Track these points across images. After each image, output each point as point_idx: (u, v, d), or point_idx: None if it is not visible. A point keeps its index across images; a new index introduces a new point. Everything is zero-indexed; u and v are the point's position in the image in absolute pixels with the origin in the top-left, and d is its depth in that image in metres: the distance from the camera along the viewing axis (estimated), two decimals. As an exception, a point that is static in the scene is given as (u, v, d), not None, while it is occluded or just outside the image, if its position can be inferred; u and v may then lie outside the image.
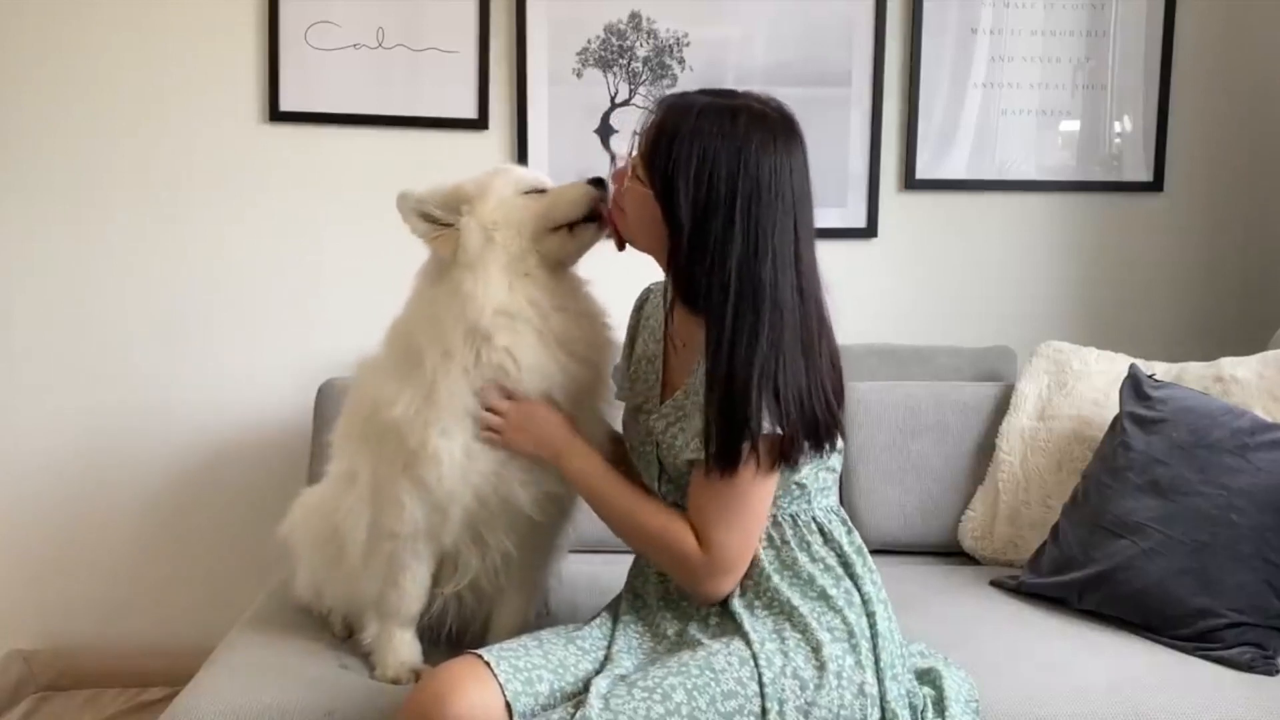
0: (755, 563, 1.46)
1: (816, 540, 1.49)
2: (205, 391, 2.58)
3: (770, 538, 1.48)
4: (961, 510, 2.28)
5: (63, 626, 2.62)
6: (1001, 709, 1.58)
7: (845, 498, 2.32)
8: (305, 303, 2.56)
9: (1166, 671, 1.69)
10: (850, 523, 1.55)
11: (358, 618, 1.72)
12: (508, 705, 1.32)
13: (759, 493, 1.42)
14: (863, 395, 2.36)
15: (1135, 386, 2.05)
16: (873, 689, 1.41)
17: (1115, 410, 2.07)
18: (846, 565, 1.49)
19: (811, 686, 1.38)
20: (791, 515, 1.48)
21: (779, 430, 1.37)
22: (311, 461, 2.22)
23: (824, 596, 1.45)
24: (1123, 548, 1.87)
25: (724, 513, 1.42)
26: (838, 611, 1.44)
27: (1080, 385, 2.23)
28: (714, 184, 1.38)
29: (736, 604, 1.45)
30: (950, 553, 2.28)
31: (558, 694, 1.37)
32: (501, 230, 1.58)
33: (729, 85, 2.51)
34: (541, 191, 1.63)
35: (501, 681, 1.34)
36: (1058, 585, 1.94)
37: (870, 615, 1.46)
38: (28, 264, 2.54)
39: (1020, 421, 2.25)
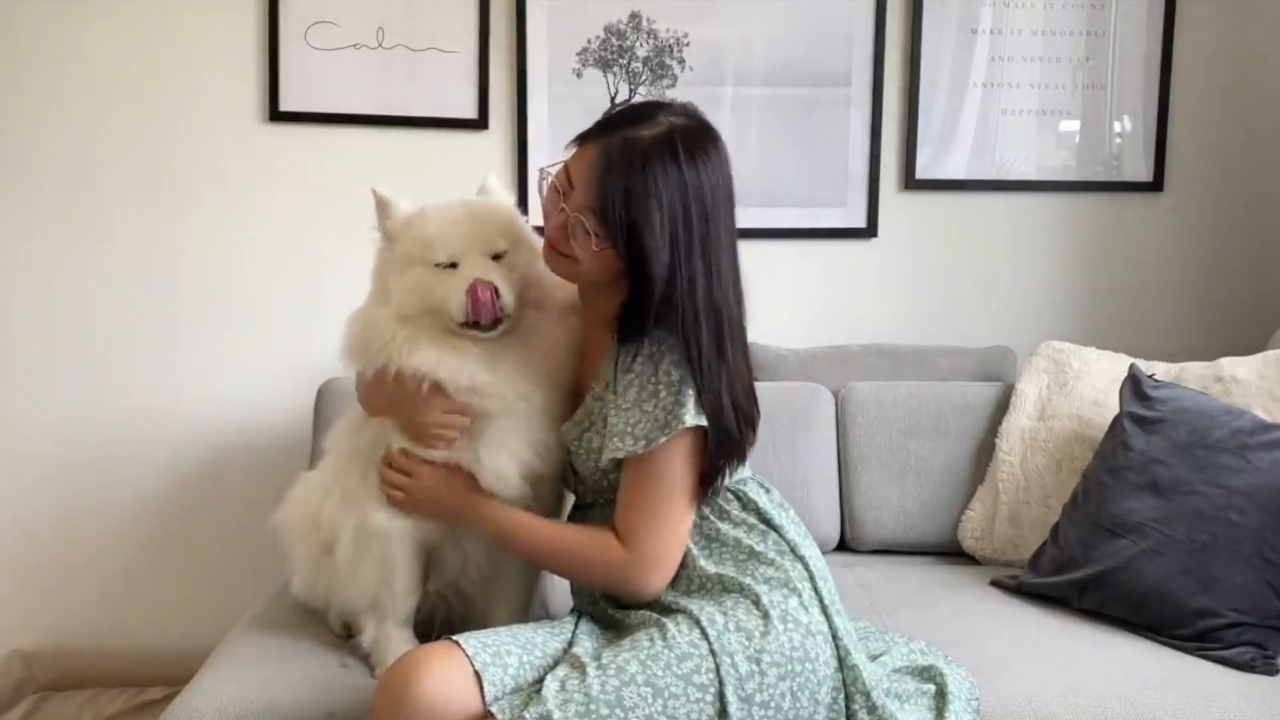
0: (686, 550, 1.50)
1: (734, 507, 1.53)
2: (205, 391, 2.58)
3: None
4: (961, 510, 2.28)
5: (63, 626, 2.62)
6: (1001, 708, 1.59)
7: (845, 498, 2.33)
8: (305, 302, 2.56)
9: (1166, 671, 1.69)
10: (768, 484, 1.60)
11: (351, 614, 1.73)
12: (477, 676, 1.34)
13: (682, 486, 1.46)
14: (863, 395, 2.36)
15: (1135, 386, 2.05)
16: (821, 625, 1.45)
17: (1115, 410, 2.07)
18: (767, 520, 1.53)
19: (758, 634, 1.40)
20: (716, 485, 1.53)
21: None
22: (311, 462, 2.22)
23: (753, 554, 1.49)
24: (1123, 548, 1.87)
25: (649, 510, 1.46)
26: (769, 563, 1.48)
27: (1080, 385, 2.23)
28: (675, 227, 1.41)
29: (673, 593, 1.48)
30: (950, 553, 2.28)
31: (526, 667, 1.40)
32: (395, 293, 1.55)
33: (729, 85, 2.59)
34: (452, 266, 1.51)
35: (470, 654, 1.36)
36: (1058, 585, 1.94)
37: (802, 559, 1.50)
38: (27, 264, 2.54)
39: (1020, 421, 2.25)
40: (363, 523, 1.62)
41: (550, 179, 1.50)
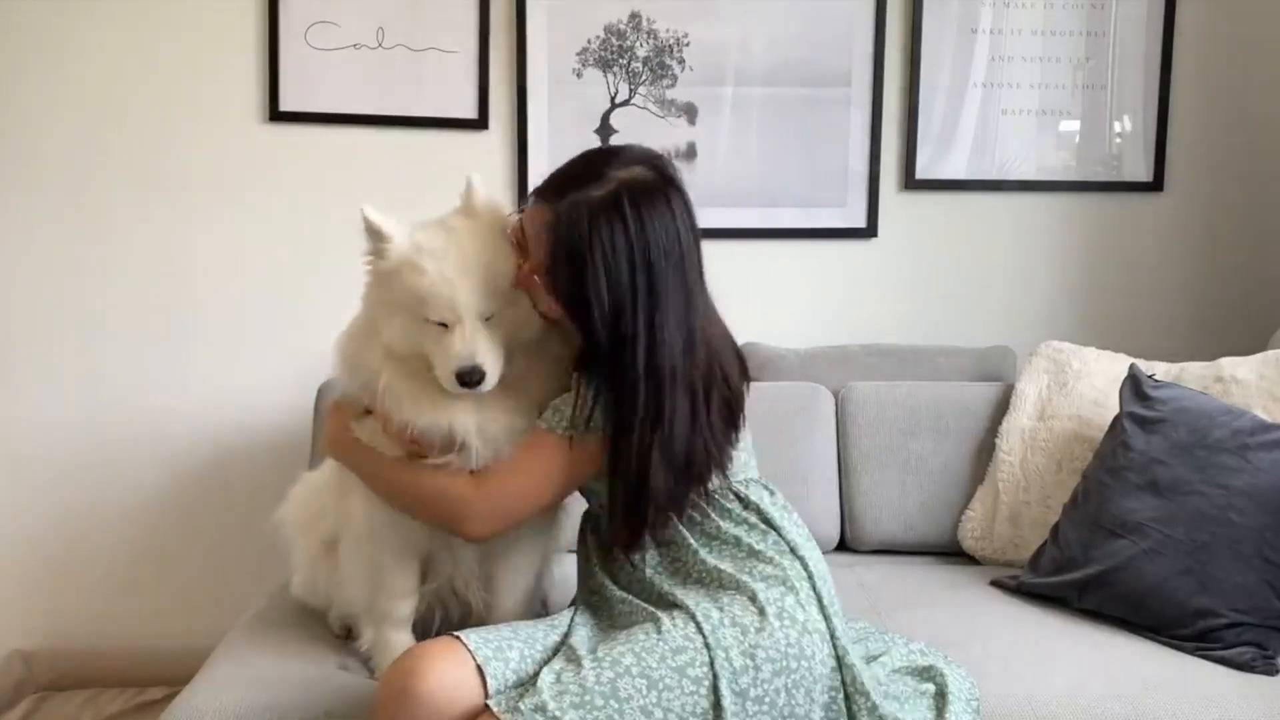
0: (683, 543, 1.52)
1: (736, 506, 1.55)
2: (204, 391, 2.58)
3: (691, 517, 1.53)
4: (961, 510, 2.28)
5: (63, 626, 2.62)
6: (1001, 708, 1.59)
7: (845, 498, 2.33)
8: (305, 302, 2.56)
9: (1166, 671, 1.69)
10: (773, 487, 1.61)
11: (351, 616, 1.73)
12: (479, 669, 1.36)
13: (555, 479, 1.51)
14: (863, 395, 2.36)
15: (1135, 386, 2.05)
16: (818, 624, 1.45)
17: (1115, 410, 2.07)
18: (768, 521, 1.54)
19: (753, 630, 1.41)
20: (709, 492, 1.53)
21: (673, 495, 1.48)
22: (311, 461, 2.22)
23: (753, 553, 1.50)
24: (1123, 548, 1.87)
25: (517, 471, 1.50)
26: (768, 561, 1.49)
27: (1080, 385, 2.23)
28: (617, 293, 1.41)
29: (671, 585, 1.50)
30: (950, 553, 2.28)
31: (527, 660, 1.41)
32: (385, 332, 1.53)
33: (729, 85, 2.59)
34: (443, 325, 1.48)
35: (472, 649, 1.37)
36: (1058, 585, 1.94)
37: (801, 559, 1.51)
38: (27, 264, 2.54)
39: (1020, 421, 2.25)
40: (352, 524, 1.63)
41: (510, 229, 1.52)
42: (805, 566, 1.50)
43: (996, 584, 2.07)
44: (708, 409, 1.48)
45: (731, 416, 1.52)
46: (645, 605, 1.49)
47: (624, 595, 1.53)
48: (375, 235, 1.52)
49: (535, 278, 1.48)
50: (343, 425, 1.61)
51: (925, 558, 2.28)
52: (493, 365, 1.48)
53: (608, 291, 1.41)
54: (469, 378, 1.46)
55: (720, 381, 1.50)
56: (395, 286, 1.50)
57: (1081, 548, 1.94)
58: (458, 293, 1.47)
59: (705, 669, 1.37)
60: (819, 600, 1.48)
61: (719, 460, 1.51)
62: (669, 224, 1.43)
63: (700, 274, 1.49)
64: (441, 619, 1.73)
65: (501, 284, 1.50)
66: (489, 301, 1.48)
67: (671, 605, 1.46)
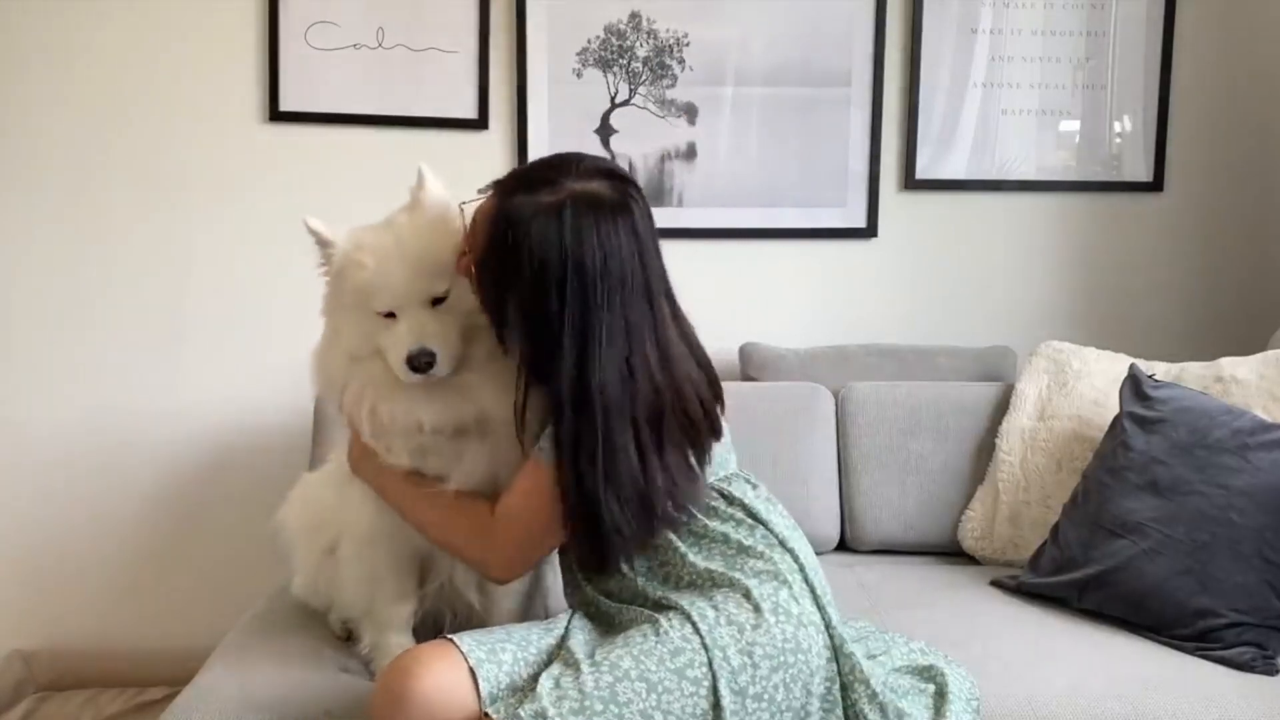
0: (671, 547, 1.50)
1: (720, 503, 1.53)
2: (205, 391, 2.58)
3: None
4: (961, 510, 2.28)
5: (63, 626, 2.62)
6: (1001, 709, 1.59)
7: (845, 498, 2.33)
8: (305, 302, 2.54)
9: (1166, 671, 1.69)
10: (754, 479, 1.59)
11: (351, 619, 1.73)
12: (472, 672, 1.35)
13: (549, 510, 1.45)
14: (863, 395, 2.36)
15: (1135, 386, 2.05)
16: (813, 616, 1.45)
17: (1115, 410, 2.07)
18: (754, 515, 1.53)
19: (749, 627, 1.40)
20: (684, 526, 1.51)
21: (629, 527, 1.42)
22: (311, 462, 2.22)
23: (742, 549, 1.49)
24: (1123, 548, 1.87)
25: (516, 503, 1.47)
26: (759, 556, 1.48)
27: (1080, 385, 2.23)
28: (543, 303, 1.37)
29: (664, 590, 1.49)
30: (950, 553, 2.28)
31: (521, 664, 1.40)
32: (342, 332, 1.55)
33: (729, 85, 2.60)
34: (391, 316, 1.50)
35: (465, 651, 1.36)
36: (1058, 585, 1.94)
37: (791, 551, 1.50)
38: (28, 264, 2.54)
39: (1020, 421, 2.25)
40: (350, 530, 1.63)
41: (463, 216, 1.50)
42: (796, 559, 1.50)
43: (996, 584, 2.07)
44: (658, 445, 1.41)
45: (696, 450, 1.47)
46: (641, 609, 1.48)
47: (619, 606, 1.52)
48: (320, 242, 1.54)
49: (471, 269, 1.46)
50: (361, 447, 1.60)
51: (925, 558, 2.28)
52: (442, 349, 1.48)
53: (530, 301, 1.37)
54: (417, 361, 1.46)
55: (677, 412, 1.43)
56: (344, 286, 1.52)
57: (1081, 548, 1.94)
58: (397, 280, 1.48)
59: (704, 669, 1.37)
60: (812, 592, 1.47)
61: (681, 499, 1.46)
62: (613, 244, 1.37)
63: (654, 298, 1.43)
64: (442, 620, 1.72)
65: (444, 268, 1.50)
66: (430, 284, 1.49)
67: (667, 607, 1.46)
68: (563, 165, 1.44)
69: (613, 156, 2.54)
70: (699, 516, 1.52)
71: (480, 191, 1.47)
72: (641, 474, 1.41)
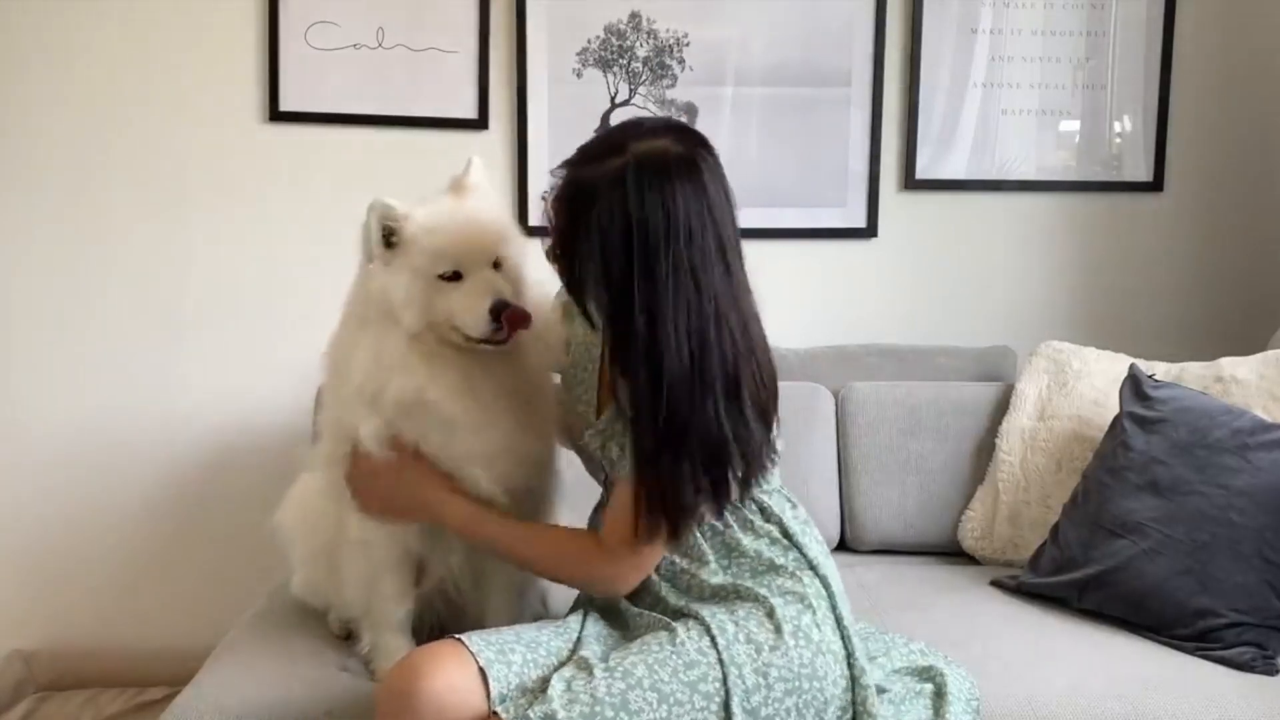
0: (699, 557, 1.49)
1: (757, 519, 1.52)
2: (204, 391, 2.58)
3: (713, 527, 1.50)
4: (961, 510, 2.28)
5: (63, 626, 2.62)
6: (1001, 709, 1.59)
7: (845, 498, 2.33)
8: (305, 302, 2.55)
9: (1166, 671, 1.69)
10: (794, 499, 1.57)
11: (350, 619, 1.73)
12: (482, 672, 1.33)
13: None
14: (863, 395, 2.36)
15: (1135, 386, 2.05)
16: (834, 644, 1.43)
17: (1115, 410, 2.07)
18: (789, 535, 1.51)
19: (767, 648, 1.39)
20: (732, 503, 1.49)
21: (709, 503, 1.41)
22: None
23: (773, 567, 1.48)
24: (1123, 548, 1.87)
25: (620, 520, 1.43)
26: (789, 576, 1.47)
27: (1080, 385, 2.23)
28: (610, 273, 1.34)
29: (686, 598, 1.48)
30: (950, 553, 2.28)
31: (530, 665, 1.38)
32: (399, 308, 1.50)
33: (729, 85, 2.59)
34: (456, 276, 1.50)
35: (474, 651, 1.35)
36: (1058, 585, 1.94)
37: (822, 578, 1.48)
38: (27, 264, 2.54)
39: (1020, 421, 2.25)
40: (345, 531, 1.63)
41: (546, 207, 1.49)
42: (826, 585, 1.47)
43: (996, 584, 2.07)
44: (735, 407, 1.36)
45: (765, 418, 1.42)
46: (660, 615, 1.47)
47: (637, 610, 1.51)
48: (389, 216, 1.52)
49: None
50: (432, 484, 1.54)
51: (925, 558, 2.28)
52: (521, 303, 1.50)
53: (602, 271, 1.34)
54: (499, 308, 1.46)
55: (751, 377, 1.38)
56: (413, 254, 1.51)
57: (1081, 548, 1.94)
58: (472, 236, 1.51)
59: (718, 685, 1.36)
60: (837, 620, 1.45)
61: (759, 461, 1.42)
62: (677, 203, 1.32)
63: (729, 256, 1.37)
64: (438, 619, 1.72)
65: (498, 236, 1.54)
66: (495, 246, 1.53)
67: (686, 616, 1.44)
68: (629, 126, 1.44)
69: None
70: (735, 528, 1.49)
71: (553, 174, 1.44)
72: (717, 430, 1.35)
